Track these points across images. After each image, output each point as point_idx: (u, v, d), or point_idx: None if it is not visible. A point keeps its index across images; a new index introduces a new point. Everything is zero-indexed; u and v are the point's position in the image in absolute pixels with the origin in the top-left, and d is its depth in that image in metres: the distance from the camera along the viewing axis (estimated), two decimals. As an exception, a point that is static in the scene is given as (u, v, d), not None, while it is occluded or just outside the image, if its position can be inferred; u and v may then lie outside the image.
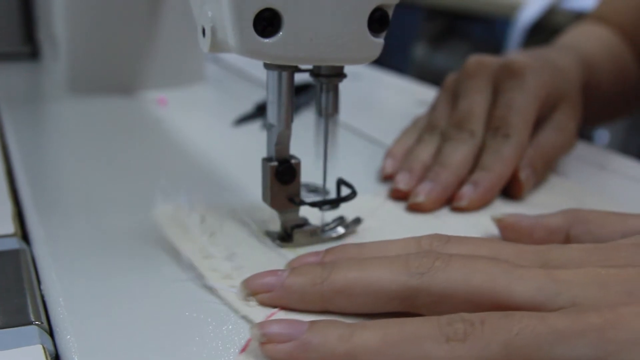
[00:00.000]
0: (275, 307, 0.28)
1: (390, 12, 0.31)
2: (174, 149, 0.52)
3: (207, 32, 0.30)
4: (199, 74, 0.72)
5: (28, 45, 0.79)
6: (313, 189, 0.41)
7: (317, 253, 0.31)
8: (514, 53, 0.54)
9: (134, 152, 0.51)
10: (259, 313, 0.28)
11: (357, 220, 0.37)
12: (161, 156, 0.51)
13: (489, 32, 1.98)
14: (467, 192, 0.40)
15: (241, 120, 0.58)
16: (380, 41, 0.31)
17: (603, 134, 1.54)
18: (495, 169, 0.41)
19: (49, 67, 0.74)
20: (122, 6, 0.64)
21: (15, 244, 0.35)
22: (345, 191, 0.36)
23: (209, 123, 0.61)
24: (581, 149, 0.54)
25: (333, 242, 0.35)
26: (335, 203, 0.36)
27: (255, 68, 0.78)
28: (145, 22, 0.65)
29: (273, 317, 0.28)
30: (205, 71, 0.73)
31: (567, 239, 0.32)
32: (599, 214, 0.32)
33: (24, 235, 0.37)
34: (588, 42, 0.65)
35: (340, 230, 0.36)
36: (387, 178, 0.44)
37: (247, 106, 0.61)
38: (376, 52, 0.32)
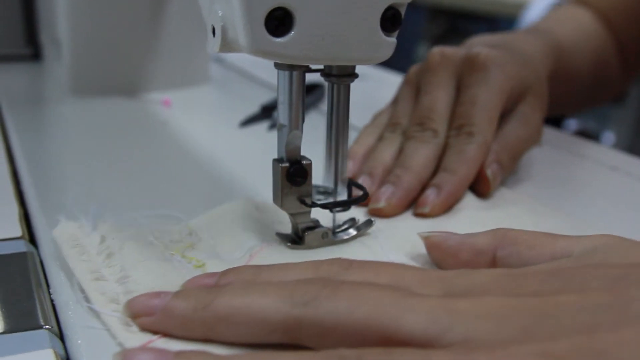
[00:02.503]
0: (157, 333, 0.26)
1: (403, 11, 0.31)
2: (180, 150, 0.52)
3: (218, 32, 0.30)
4: (204, 75, 0.72)
5: (30, 47, 0.79)
6: (323, 191, 0.41)
7: (213, 274, 0.29)
8: (478, 39, 0.52)
9: (139, 154, 0.51)
10: (137, 340, 0.26)
11: (369, 222, 0.36)
12: (167, 158, 0.50)
13: (492, 32, 1.98)
14: (430, 198, 0.39)
15: (247, 121, 0.58)
16: (392, 40, 0.31)
17: (609, 135, 1.54)
18: (459, 171, 0.40)
19: (51, 69, 0.74)
20: (125, 7, 0.63)
21: (22, 246, 0.35)
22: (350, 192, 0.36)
23: (215, 124, 0.60)
24: (590, 149, 0.53)
25: (345, 244, 0.35)
26: (346, 205, 0.35)
27: (259, 69, 0.78)
28: (149, 23, 0.65)
29: (150, 345, 0.25)
30: (209, 72, 0.73)
31: (494, 261, 0.30)
32: (528, 235, 0.30)
33: (31, 238, 0.37)
34: (564, 26, 0.63)
35: (352, 232, 0.36)
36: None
37: (252, 107, 0.60)
38: (388, 51, 0.31)
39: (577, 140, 0.57)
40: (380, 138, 0.44)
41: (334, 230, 0.35)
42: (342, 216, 0.36)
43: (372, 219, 0.37)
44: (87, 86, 0.65)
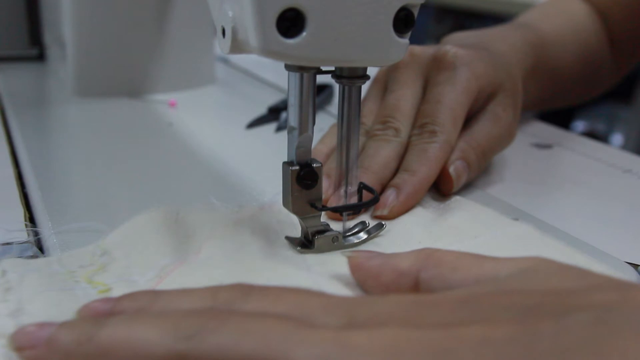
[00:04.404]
0: None
1: (416, 12, 0.30)
2: (186, 152, 0.51)
3: (228, 33, 0.30)
4: (210, 76, 0.71)
5: (35, 48, 0.79)
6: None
7: (109, 300, 0.27)
8: (454, 37, 0.51)
9: (144, 156, 0.50)
10: None
11: (380, 226, 0.36)
12: (173, 160, 0.50)
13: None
14: (389, 199, 0.38)
15: (254, 123, 0.57)
16: (405, 42, 0.31)
17: (617, 137, 1.53)
18: (420, 172, 0.39)
19: (56, 70, 0.74)
20: (129, 7, 0.63)
21: (28, 250, 0.34)
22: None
23: (221, 126, 0.60)
24: (602, 151, 0.53)
25: (355, 247, 0.35)
26: (357, 208, 0.35)
27: (266, 70, 0.78)
28: (154, 23, 0.64)
29: None
30: (215, 73, 0.72)
31: (417, 283, 0.28)
32: (453, 256, 0.28)
33: (37, 242, 0.36)
34: (552, 20, 0.62)
35: (363, 235, 0.35)
36: None
37: (259, 109, 0.60)
38: (401, 52, 0.31)
39: (587, 141, 0.56)
40: None
41: (345, 234, 0.35)
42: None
43: (383, 222, 0.36)
44: (91, 87, 0.64)
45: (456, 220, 0.37)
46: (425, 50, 0.44)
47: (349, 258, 0.30)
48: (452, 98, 0.41)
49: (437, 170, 0.40)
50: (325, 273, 0.31)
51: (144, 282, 0.31)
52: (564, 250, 0.33)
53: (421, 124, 0.41)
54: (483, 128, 0.43)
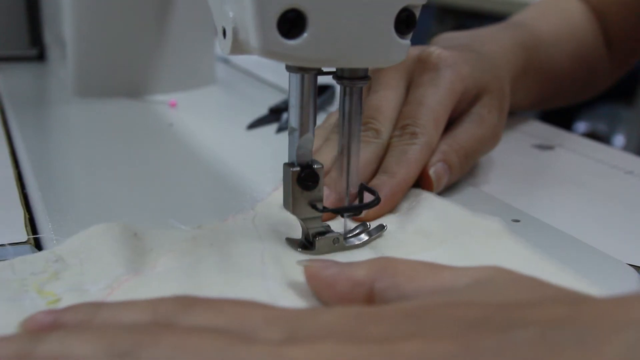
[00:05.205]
0: None
1: (417, 13, 0.30)
2: (186, 153, 0.51)
3: (228, 34, 0.29)
4: (210, 76, 0.71)
5: (35, 48, 0.79)
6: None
7: (53, 312, 0.27)
8: (444, 37, 0.51)
9: (144, 157, 0.50)
10: None
11: (381, 227, 0.35)
12: (173, 161, 0.50)
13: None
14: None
15: (255, 123, 0.57)
16: (406, 42, 0.31)
17: (619, 138, 1.53)
18: (398, 174, 0.38)
19: (56, 70, 0.73)
20: (130, 8, 0.63)
21: (28, 251, 0.34)
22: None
23: (222, 126, 0.60)
24: (603, 152, 0.53)
25: (356, 249, 0.34)
26: (358, 209, 0.35)
27: (266, 70, 0.78)
28: (154, 23, 0.64)
29: None
30: (216, 73, 0.72)
31: (372, 293, 0.27)
32: (410, 265, 0.27)
33: (37, 243, 0.36)
34: (547, 19, 0.62)
35: (364, 237, 0.35)
36: None
37: (260, 109, 0.60)
38: (402, 54, 0.31)
39: (589, 142, 0.56)
40: (326, 140, 0.43)
41: (345, 236, 0.35)
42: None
43: (384, 223, 0.36)
44: (91, 87, 0.64)
45: (423, 224, 0.36)
46: (410, 52, 0.44)
47: (305, 268, 0.29)
48: (435, 100, 0.41)
49: (417, 172, 0.39)
50: (282, 283, 0.31)
51: (95, 291, 0.30)
52: (528, 256, 0.33)
53: (402, 125, 0.41)
54: (466, 130, 0.43)
